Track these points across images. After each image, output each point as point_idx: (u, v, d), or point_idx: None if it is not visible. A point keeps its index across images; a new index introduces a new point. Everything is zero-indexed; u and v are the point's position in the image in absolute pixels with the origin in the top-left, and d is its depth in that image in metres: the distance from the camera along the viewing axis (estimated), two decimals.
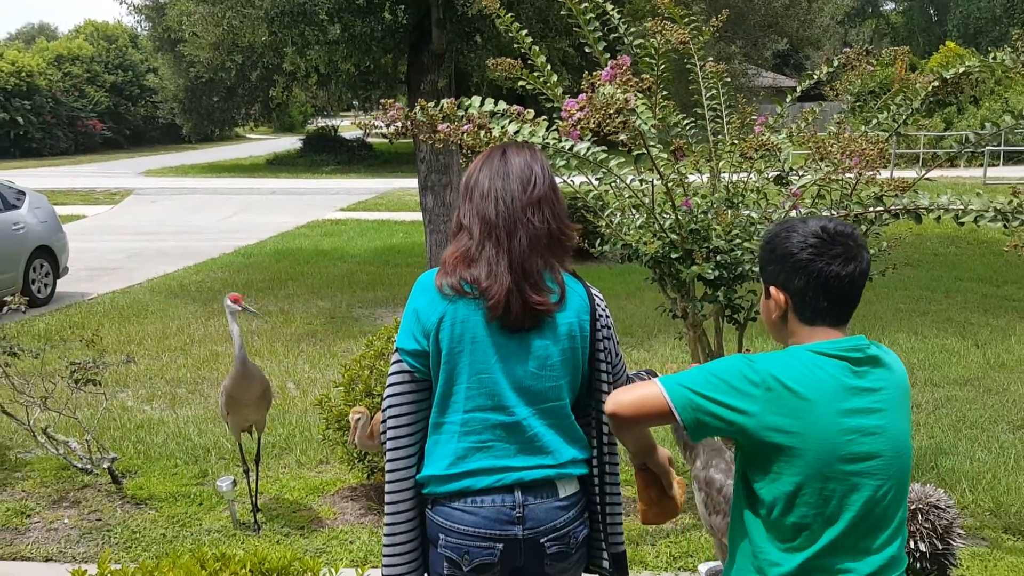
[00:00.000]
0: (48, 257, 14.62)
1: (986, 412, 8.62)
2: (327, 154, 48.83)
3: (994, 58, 5.21)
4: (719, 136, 6.07)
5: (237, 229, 23.31)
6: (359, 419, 4.78)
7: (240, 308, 5.91)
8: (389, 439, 3.06)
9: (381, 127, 5.26)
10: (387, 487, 3.08)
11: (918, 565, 5.14)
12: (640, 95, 4.21)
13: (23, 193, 14.84)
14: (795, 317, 2.70)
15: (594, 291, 3.18)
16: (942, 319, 12.52)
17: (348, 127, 56.15)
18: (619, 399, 2.70)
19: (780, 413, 2.55)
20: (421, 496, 3.09)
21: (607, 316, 3.19)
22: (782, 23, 24.00)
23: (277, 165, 46.82)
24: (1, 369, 6.82)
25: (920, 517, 5.14)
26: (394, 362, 3.08)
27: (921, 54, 51.81)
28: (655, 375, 3.96)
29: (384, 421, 3.09)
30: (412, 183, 24.30)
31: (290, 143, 55.21)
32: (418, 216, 15.89)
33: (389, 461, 3.07)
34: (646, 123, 4.65)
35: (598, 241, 5.96)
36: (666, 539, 6.08)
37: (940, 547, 5.13)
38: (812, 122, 6.20)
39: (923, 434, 8.03)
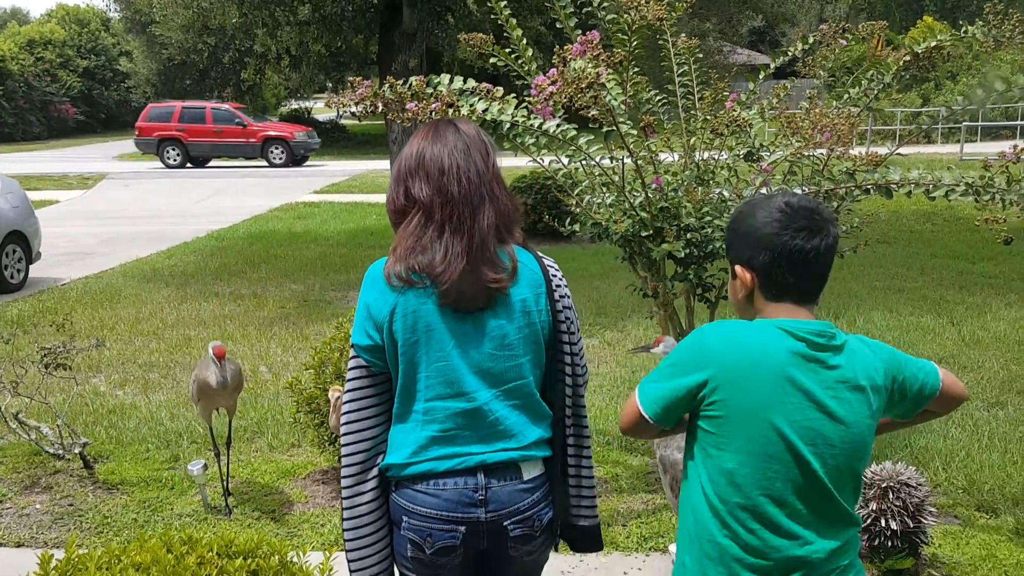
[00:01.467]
0: (20, 243, 14.48)
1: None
2: None
3: (966, 32, 5.19)
4: (691, 112, 6.03)
5: (210, 213, 23.20)
6: (339, 397, 4.75)
7: (217, 366, 5.82)
8: (345, 432, 3.02)
9: (351, 106, 5.19)
10: (345, 480, 3.04)
11: (889, 543, 5.13)
12: (610, 70, 4.17)
13: None
14: (760, 295, 2.69)
15: (547, 261, 3.12)
16: (917, 296, 12.53)
17: (321, 109, 56.21)
18: (621, 422, 2.89)
19: (729, 381, 2.57)
20: (384, 482, 3.05)
21: (564, 285, 3.12)
22: None
23: None
24: None
25: (891, 495, 5.13)
26: (351, 357, 3.03)
27: (898, 29, 51.87)
28: (646, 350, 4.01)
29: (343, 418, 3.04)
30: (385, 164, 24.26)
31: None
32: None
33: (347, 455, 3.02)
34: (616, 99, 4.62)
35: (568, 220, 5.93)
36: (637, 519, 6.06)
37: (911, 525, 5.12)
38: (784, 98, 6.17)
39: None
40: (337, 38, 13.40)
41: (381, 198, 23.72)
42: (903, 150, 5.63)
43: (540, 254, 3.11)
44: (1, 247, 13.96)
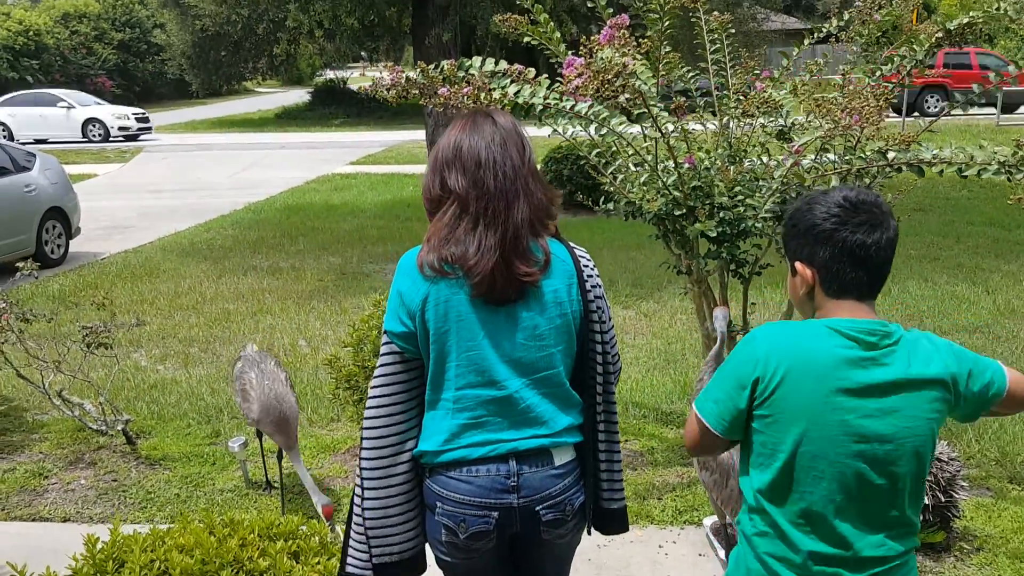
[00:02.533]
0: (60, 218, 14.66)
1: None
2: (336, 107, 48.85)
3: (997, 8, 5.19)
4: (723, 92, 6.05)
5: (247, 185, 23.33)
6: None
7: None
8: (375, 416, 3.05)
9: (384, 92, 5.25)
10: (369, 462, 3.07)
11: (920, 517, 5.18)
12: (639, 57, 4.19)
13: (33, 155, 14.86)
14: (822, 291, 2.67)
15: (579, 252, 3.15)
16: (952, 265, 12.50)
17: (357, 79, 56.11)
18: (687, 442, 2.88)
19: (779, 383, 2.57)
20: (416, 467, 3.11)
21: (596, 276, 3.17)
22: None
23: (286, 119, 46.86)
24: (15, 334, 6.87)
25: None
26: (384, 343, 3.08)
27: None
28: (720, 317, 4.04)
29: (369, 402, 3.08)
30: (421, 135, 24.28)
31: (299, 96, 55.13)
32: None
33: (377, 438, 3.05)
34: (646, 83, 4.65)
35: (602, 199, 5.97)
36: (672, 493, 6.12)
37: (943, 499, 5.16)
38: (817, 73, 6.18)
39: None
40: (370, 12, 13.39)
41: (417, 169, 23.82)
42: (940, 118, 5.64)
43: (572, 244, 3.15)
44: (42, 223, 14.14)
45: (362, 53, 43.22)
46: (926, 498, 5.10)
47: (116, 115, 38.65)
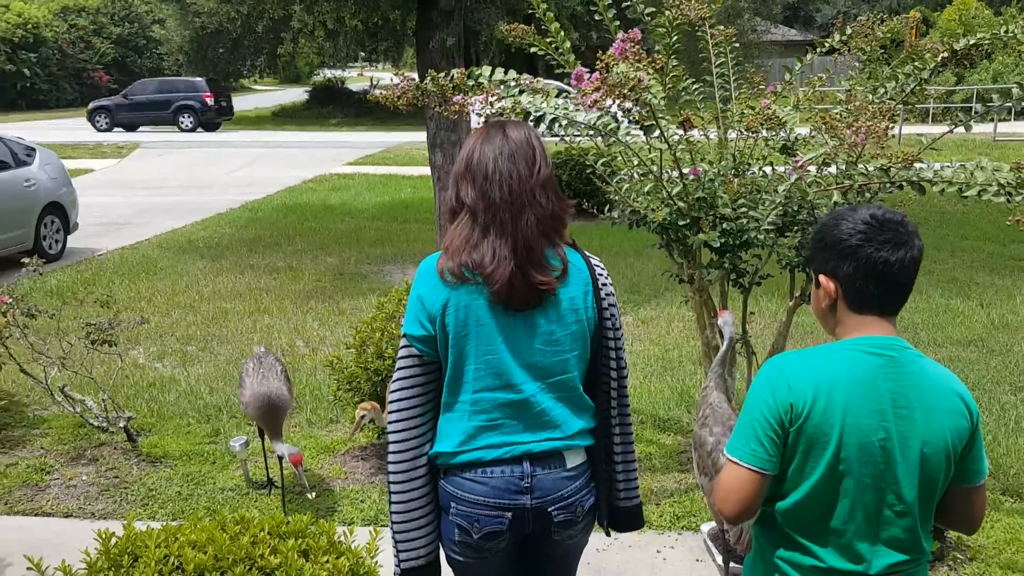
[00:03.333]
0: (59, 213, 14.70)
1: (989, 373, 8.71)
2: (334, 106, 48.88)
3: (1006, 31, 5.25)
4: (727, 105, 6.12)
5: (244, 183, 23.38)
6: (364, 416, 4.98)
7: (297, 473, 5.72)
8: (397, 420, 3.12)
9: (396, 95, 5.29)
10: (394, 465, 3.14)
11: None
12: (651, 72, 4.26)
13: (33, 149, 14.89)
14: (844, 305, 2.72)
15: (593, 260, 3.23)
16: (947, 279, 12.58)
17: (355, 78, 56.09)
18: (723, 508, 2.75)
19: (802, 406, 2.61)
20: (432, 469, 3.18)
21: (610, 284, 3.24)
22: None
23: (283, 117, 46.89)
24: (20, 330, 6.92)
25: None
26: (403, 346, 3.14)
27: (934, 7, 51.47)
28: (728, 322, 4.06)
29: (391, 406, 3.15)
30: (419, 136, 24.27)
31: (296, 95, 55.20)
32: (426, 171, 15.93)
33: (398, 442, 3.12)
34: (656, 96, 4.72)
35: (607, 208, 6.03)
36: (669, 498, 6.19)
37: None
38: (819, 86, 6.24)
39: None
40: (375, 14, 13.42)
41: (416, 170, 23.88)
42: (936, 129, 5.71)
43: (587, 254, 3.23)
44: (40, 218, 14.18)
45: (360, 53, 43.15)
46: None
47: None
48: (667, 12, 5.09)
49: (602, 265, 3.28)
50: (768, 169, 5.85)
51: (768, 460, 2.66)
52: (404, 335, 3.14)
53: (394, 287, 12.33)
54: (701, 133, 5.99)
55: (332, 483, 6.50)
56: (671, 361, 9.13)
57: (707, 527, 5.69)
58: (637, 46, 4.46)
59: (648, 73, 4.27)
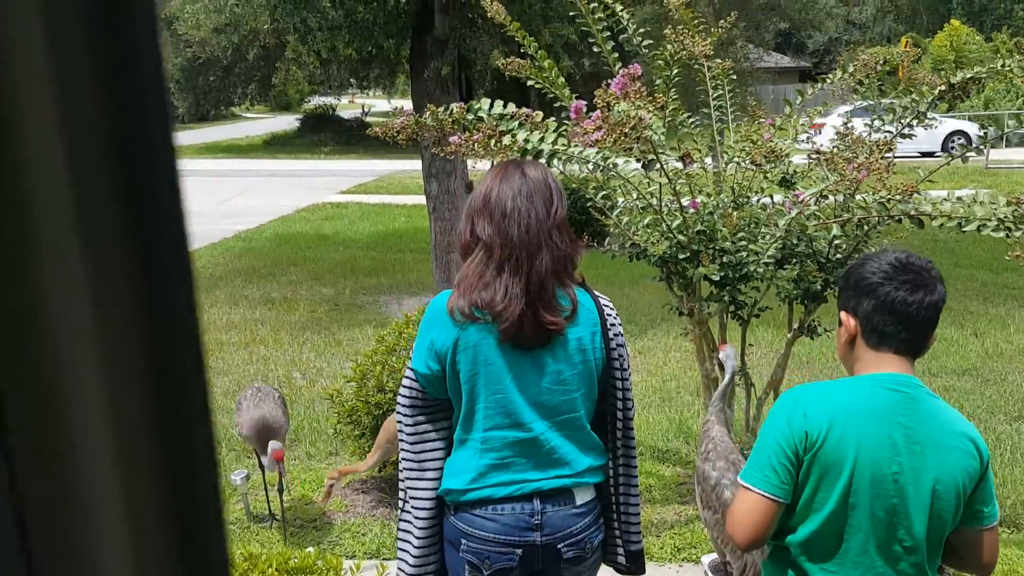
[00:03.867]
0: None
1: (984, 403, 8.74)
2: (325, 133, 48.83)
3: (1003, 65, 5.30)
4: (723, 139, 6.15)
5: (236, 213, 23.36)
6: (332, 484, 5.22)
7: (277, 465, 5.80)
8: (411, 461, 3.17)
9: (395, 130, 5.31)
10: (423, 512, 3.17)
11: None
12: (652, 110, 4.28)
13: None
14: (862, 342, 2.78)
15: (603, 300, 3.27)
16: None
17: (346, 105, 56.14)
18: (735, 533, 2.79)
19: (815, 438, 2.66)
20: (442, 504, 3.20)
21: (618, 324, 3.28)
22: (784, 4, 24.05)
23: (275, 145, 46.87)
24: None
25: None
26: (408, 380, 3.18)
27: (925, 33, 51.75)
28: (730, 356, 4.07)
29: (402, 439, 3.19)
30: (412, 164, 24.32)
31: (287, 123, 55.14)
32: (420, 199, 15.96)
33: (421, 488, 3.16)
34: (656, 132, 4.75)
35: (607, 241, 6.06)
36: (670, 530, 6.20)
37: None
38: (816, 119, 6.28)
39: None
40: (368, 43, 13.44)
41: (409, 199, 23.88)
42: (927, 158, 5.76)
43: (597, 293, 3.26)
44: None
45: (352, 80, 43.18)
46: None
47: None
48: (668, 46, 5.12)
49: (611, 305, 3.31)
50: (767, 200, 5.89)
51: (781, 487, 2.69)
52: (411, 369, 3.17)
53: (391, 318, 12.36)
54: (699, 165, 6.02)
55: (333, 516, 6.50)
56: (669, 392, 9.15)
57: (708, 559, 5.69)
58: (638, 81, 4.48)
59: (648, 110, 4.29)
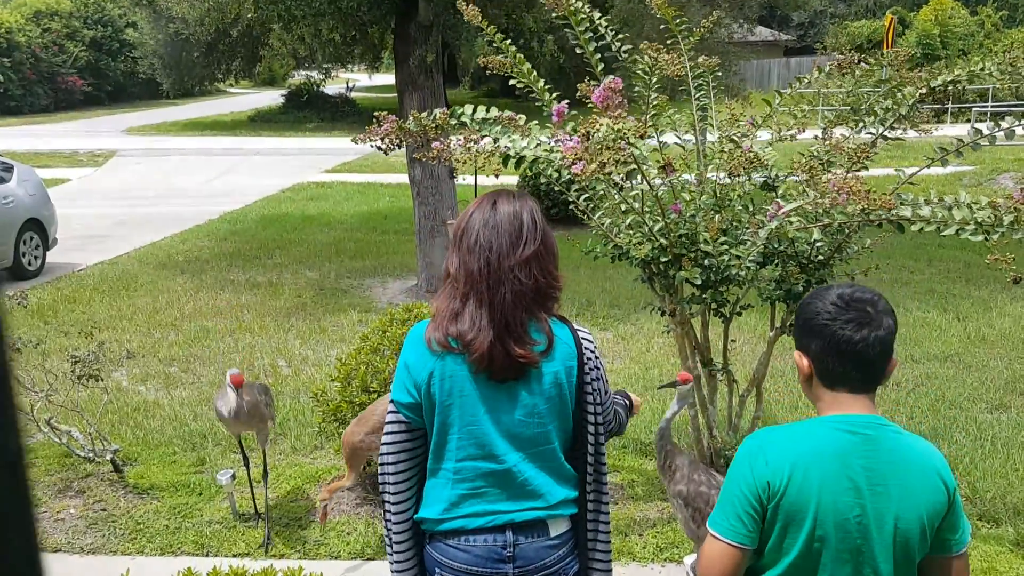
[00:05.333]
0: (37, 229, 14.71)
1: (965, 391, 8.79)
2: (310, 110, 48.67)
3: (982, 69, 5.33)
4: (706, 115, 6.17)
5: (221, 192, 23.37)
6: (326, 503, 5.47)
7: (235, 393, 5.81)
8: (391, 484, 3.19)
9: (376, 141, 5.32)
10: (392, 528, 3.21)
11: None
12: (632, 128, 4.28)
13: (11, 166, 14.88)
14: (818, 381, 2.80)
15: (582, 333, 3.25)
16: (924, 290, 12.68)
17: (330, 81, 55.87)
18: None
19: (780, 483, 2.68)
20: (420, 532, 3.24)
21: (596, 358, 3.26)
22: None
23: (259, 122, 46.65)
24: None
25: None
26: (391, 411, 3.20)
27: (911, 6, 51.68)
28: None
29: (383, 469, 3.21)
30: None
31: (271, 98, 54.96)
32: (404, 178, 15.93)
33: (393, 505, 3.19)
34: (639, 148, 4.77)
35: (589, 241, 6.08)
36: (652, 529, 6.24)
37: None
38: (800, 120, 6.30)
39: (902, 415, 8.19)
40: (352, 28, 13.42)
41: (393, 178, 23.88)
42: (911, 133, 5.78)
43: (576, 326, 3.26)
44: (19, 235, 14.17)
45: (333, 64, 42.99)
46: None
47: None
48: (645, 58, 5.13)
49: (591, 338, 3.30)
50: (751, 206, 5.90)
51: (747, 536, 2.72)
52: (392, 401, 3.19)
53: (375, 302, 12.41)
54: (680, 173, 6.04)
55: (317, 515, 6.52)
56: (652, 380, 9.16)
57: (690, 559, 5.73)
58: (619, 95, 4.49)
59: (629, 128, 4.29)
